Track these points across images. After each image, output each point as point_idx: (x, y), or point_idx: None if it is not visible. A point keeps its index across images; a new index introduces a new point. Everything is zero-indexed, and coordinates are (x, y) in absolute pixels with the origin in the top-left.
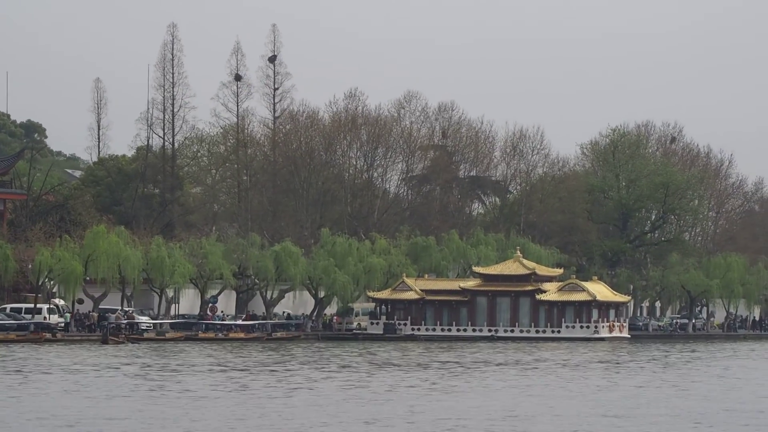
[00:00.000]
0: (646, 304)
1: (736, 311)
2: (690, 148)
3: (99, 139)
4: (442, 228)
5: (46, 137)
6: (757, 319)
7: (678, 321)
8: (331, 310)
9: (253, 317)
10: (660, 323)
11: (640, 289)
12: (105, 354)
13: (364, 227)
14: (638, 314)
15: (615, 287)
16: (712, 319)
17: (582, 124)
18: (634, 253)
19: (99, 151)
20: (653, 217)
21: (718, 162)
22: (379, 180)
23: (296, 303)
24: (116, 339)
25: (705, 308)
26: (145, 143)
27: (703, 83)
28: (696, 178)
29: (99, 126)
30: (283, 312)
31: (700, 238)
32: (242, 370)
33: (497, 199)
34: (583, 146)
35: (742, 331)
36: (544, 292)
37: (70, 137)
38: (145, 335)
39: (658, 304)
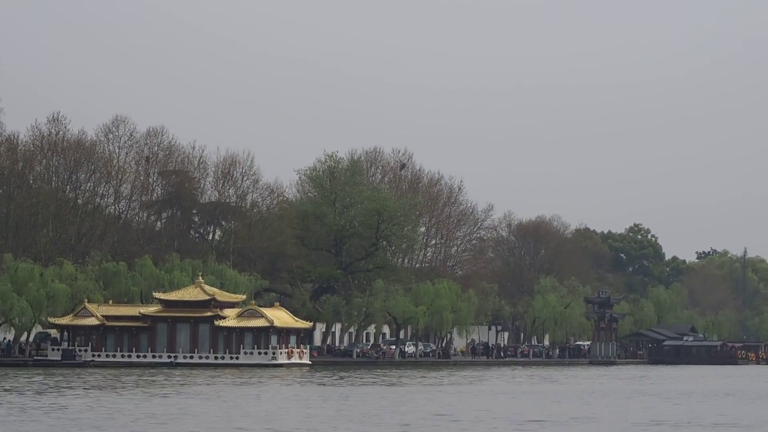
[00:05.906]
0: (373, 330)
1: (457, 338)
2: (419, 175)
3: None
4: (139, 253)
5: None
6: (503, 344)
7: (384, 348)
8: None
9: None
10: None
11: (345, 315)
12: None
13: (65, 252)
14: (361, 341)
15: (321, 314)
16: (454, 345)
17: (310, 151)
18: (354, 279)
19: None
20: (368, 243)
21: (448, 189)
22: (87, 204)
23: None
24: None
25: (436, 335)
26: None
27: (436, 113)
28: (411, 205)
29: None
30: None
31: (424, 265)
32: None
33: (234, 224)
34: (301, 172)
35: (456, 358)
36: (224, 318)
37: None
38: None
39: (386, 329)
